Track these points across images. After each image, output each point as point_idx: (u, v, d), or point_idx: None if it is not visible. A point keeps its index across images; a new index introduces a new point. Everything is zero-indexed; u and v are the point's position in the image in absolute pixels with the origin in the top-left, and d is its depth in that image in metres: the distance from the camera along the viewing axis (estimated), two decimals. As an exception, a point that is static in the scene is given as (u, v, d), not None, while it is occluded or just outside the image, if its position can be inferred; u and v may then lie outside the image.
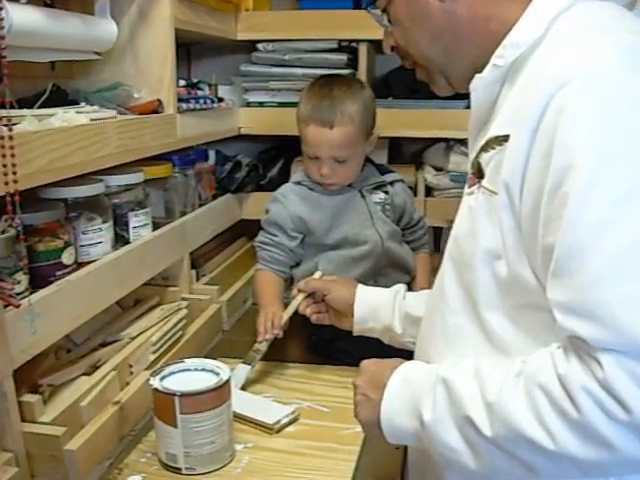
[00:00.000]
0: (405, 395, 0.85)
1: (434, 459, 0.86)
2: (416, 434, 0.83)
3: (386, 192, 1.53)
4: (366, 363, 0.97)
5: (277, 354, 1.46)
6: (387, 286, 1.44)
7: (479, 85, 0.85)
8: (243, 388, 1.27)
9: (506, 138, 0.78)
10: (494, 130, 0.81)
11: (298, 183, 1.50)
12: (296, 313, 1.34)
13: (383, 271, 1.48)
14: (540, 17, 0.80)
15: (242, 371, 1.28)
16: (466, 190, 0.87)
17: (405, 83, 1.85)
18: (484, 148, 0.83)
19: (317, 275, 1.37)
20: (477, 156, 0.84)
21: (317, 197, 1.47)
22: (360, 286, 1.26)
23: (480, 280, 0.82)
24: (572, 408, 0.67)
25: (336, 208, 1.47)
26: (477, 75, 0.85)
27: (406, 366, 0.90)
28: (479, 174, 0.83)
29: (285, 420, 1.16)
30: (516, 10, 0.82)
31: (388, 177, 1.55)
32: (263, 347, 1.30)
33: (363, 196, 1.49)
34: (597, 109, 0.69)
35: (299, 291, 1.33)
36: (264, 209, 1.52)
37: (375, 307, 1.22)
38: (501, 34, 0.82)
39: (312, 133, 1.40)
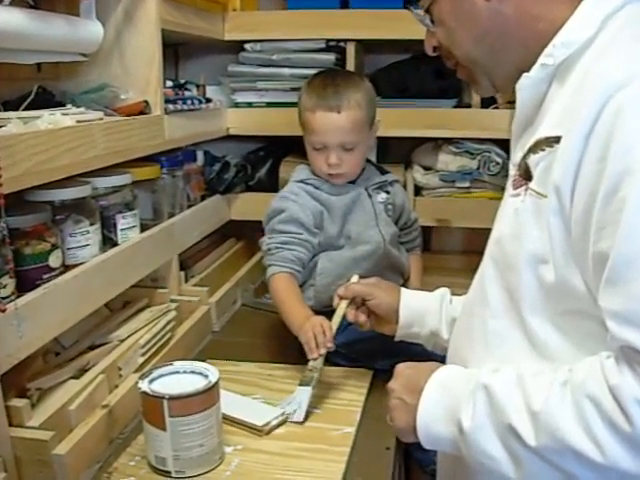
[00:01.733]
0: (443, 400, 0.84)
1: (464, 464, 0.85)
2: (454, 441, 0.82)
3: (387, 192, 1.53)
4: (402, 367, 0.96)
5: (266, 354, 1.47)
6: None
7: (526, 84, 0.84)
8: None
9: (557, 140, 0.76)
10: (544, 131, 0.80)
11: (302, 181, 1.47)
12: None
13: (380, 274, 1.47)
14: (592, 17, 0.78)
15: (303, 394, 1.19)
16: (510, 191, 0.86)
17: (393, 82, 1.85)
18: (532, 149, 0.81)
19: (355, 279, 1.30)
20: (525, 157, 0.82)
21: (327, 198, 1.45)
22: (404, 291, 1.21)
23: (524, 284, 0.81)
24: (624, 420, 0.66)
25: (346, 208, 1.46)
26: (524, 74, 0.83)
27: (444, 370, 0.88)
28: (526, 176, 0.82)
29: (275, 422, 1.16)
30: (565, 10, 0.81)
31: (388, 177, 1.56)
32: (319, 364, 1.22)
33: (370, 195, 1.49)
34: None
35: (340, 298, 1.25)
36: (267, 213, 1.46)
37: (421, 312, 1.18)
38: (549, 34, 0.81)
39: (320, 120, 1.39)
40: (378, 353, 1.33)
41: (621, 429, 0.66)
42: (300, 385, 1.21)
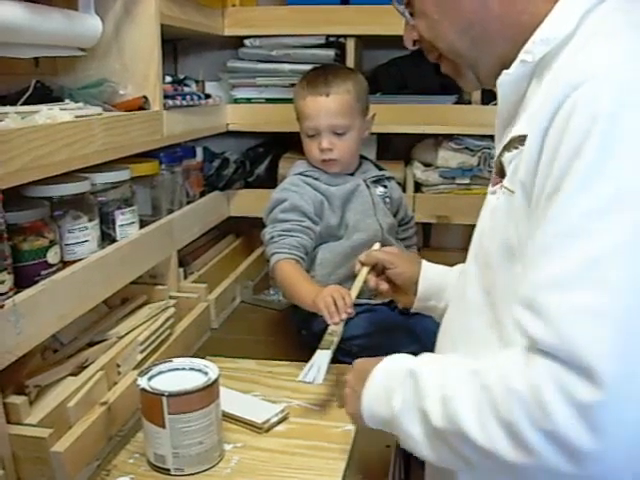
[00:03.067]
0: (384, 383, 0.87)
1: None
2: (388, 422, 0.85)
3: (385, 186, 1.55)
4: (359, 361, 0.98)
5: (266, 351, 1.46)
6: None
7: (506, 81, 0.83)
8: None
9: (525, 138, 0.77)
10: (517, 129, 0.80)
11: (301, 174, 1.49)
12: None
13: None
14: (570, 12, 0.78)
15: (323, 358, 1.16)
16: (489, 189, 0.87)
17: (393, 79, 1.85)
18: (507, 148, 0.82)
19: (377, 246, 1.30)
20: (500, 155, 0.83)
21: (326, 188, 1.47)
22: (424, 263, 1.21)
23: (498, 281, 0.82)
24: (504, 407, 0.67)
25: (345, 197, 1.47)
26: (504, 71, 0.83)
27: (389, 359, 0.90)
28: (501, 173, 0.83)
29: (274, 419, 1.15)
30: (547, 4, 0.80)
31: (385, 173, 1.57)
32: (339, 328, 1.19)
33: (368, 186, 1.50)
34: (608, 114, 0.66)
35: (362, 264, 1.25)
36: (269, 205, 1.45)
37: (440, 286, 1.17)
38: (531, 28, 0.80)
39: (310, 104, 1.42)
40: (378, 348, 1.32)
41: (501, 415, 0.67)
42: (320, 349, 1.18)
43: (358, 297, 1.24)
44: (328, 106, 1.41)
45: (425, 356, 0.84)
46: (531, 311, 0.67)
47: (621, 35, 0.73)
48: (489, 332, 0.84)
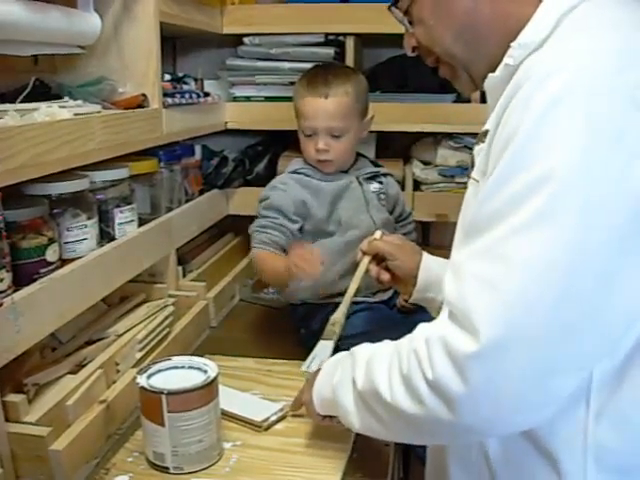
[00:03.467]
0: (330, 370, 0.97)
1: (443, 454, 0.94)
2: (332, 401, 0.93)
3: (380, 182, 1.55)
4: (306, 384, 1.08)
5: (265, 350, 1.46)
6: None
7: (491, 84, 0.87)
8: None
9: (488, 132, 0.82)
10: (487, 124, 0.84)
11: (295, 172, 1.50)
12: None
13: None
14: (548, 15, 0.79)
15: (325, 349, 1.17)
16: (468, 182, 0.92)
17: (393, 77, 1.84)
18: (477, 142, 0.86)
19: (378, 235, 1.28)
20: (472, 149, 0.89)
21: (317, 183, 1.48)
22: (425, 255, 1.23)
23: None
24: (405, 363, 0.77)
25: (335, 194, 1.47)
26: (490, 74, 0.86)
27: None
28: (472, 166, 0.87)
29: (274, 418, 1.15)
30: (530, 8, 0.82)
31: (381, 169, 1.57)
32: (340, 318, 1.21)
33: (360, 183, 1.51)
34: (546, 106, 0.69)
35: (363, 253, 1.25)
36: (258, 201, 1.49)
37: (439, 278, 1.16)
38: (517, 31, 0.82)
39: (308, 104, 1.43)
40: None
41: (401, 371, 0.77)
42: (322, 339, 1.20)
43: (357, 293, 1.26)
44: (326, 108, 1.41)
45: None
46: (452, 274, 0.76)
47: (598, 32, 0.75)
48: None
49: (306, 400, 1.03)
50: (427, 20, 0.91)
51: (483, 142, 0.83)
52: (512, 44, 0.82)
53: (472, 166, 0.88)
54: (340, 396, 0.90)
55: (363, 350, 0.90)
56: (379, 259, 1.25)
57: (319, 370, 1.03)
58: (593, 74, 0.69)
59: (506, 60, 0.83)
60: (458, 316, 0.72)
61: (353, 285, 1.24)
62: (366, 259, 1.24)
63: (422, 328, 0.79)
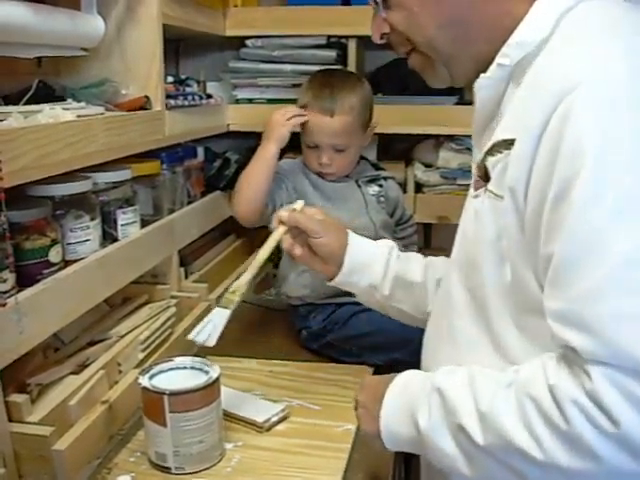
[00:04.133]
0: (402, 403, 0.86)
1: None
2: (413, 441, 0.84)
3: (380, 185, 1.56)
4: (368, 379, 0.99)
5: (267, 351, 1.46)
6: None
7: (484, 85, 0.84)
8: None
9: (512, 142, 0.77)
10: (501, 133, 0.80)
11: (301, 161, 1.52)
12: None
13: None
14: (546, 15, 0.78)
15: (221, 316, 1.08)
16: (471, 192, 0.87)
17: (395, 79, 1.85)
18: (490, 152, 0.81)
19: (298, 206, 1.15)
20: (484, 159, 0.83)
21: (315, 178, 1.49)
22: (352, 235, 1.14)
23: (487, 284, 0.82)
24: (561, 419, 0.67)
25: (333, 193, 1.49)
26: (482, 75, 0.83)
27: (403, 376, 0.90)
28: (485, 177, 0.82)
29: (275, 418, 1.16)
30: (525, 7, 0.80)
31: (382, 173, 1.58)
32: (242, 287, 1.10)
33: (359, 186, 1.52)
34: (604, 117, 0.67)
35: (280, 222, 1.12)
36: None
37: (367, 262, 1.12)
38: (511, 30, 0.80)
39: (313, 121, 1.43)
40: (378, 348, 1.33)
41: (558, 427, 0.68)
42: (219, 307, 1.10)
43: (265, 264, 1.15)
44: (332, 127, 1.42)
45: (441, 371, 0.84)
46: (573, 327, 0.67)
47: (600, 36, 0.73)
48: (479, 333, 0.85)
49: (370, 432, 0.91)
50: (410, 5, 0.85)
51: (501, 153, 0.79)
52: (508, 43, 0.80)
53: (485, 178, 0.83)
54: (437, 442, 0.80)
55: (455, 390, 0.79)
56: (296, 233, 1.12)
57: (374, 390, 0.92)
58: (614, 86, 0.68)
59: (500, 60, 0.81)
60: (617, 364, 0.65)
61: (262, 253, 1.11)
62: (281, 228, 1.11)
63: (556, 374, 0.70)
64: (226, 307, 1.09)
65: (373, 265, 1.13)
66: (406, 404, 0.86)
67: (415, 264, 1.14)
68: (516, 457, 0.72)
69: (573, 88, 0.69)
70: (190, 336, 1.07)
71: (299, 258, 1.13)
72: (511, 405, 0.73)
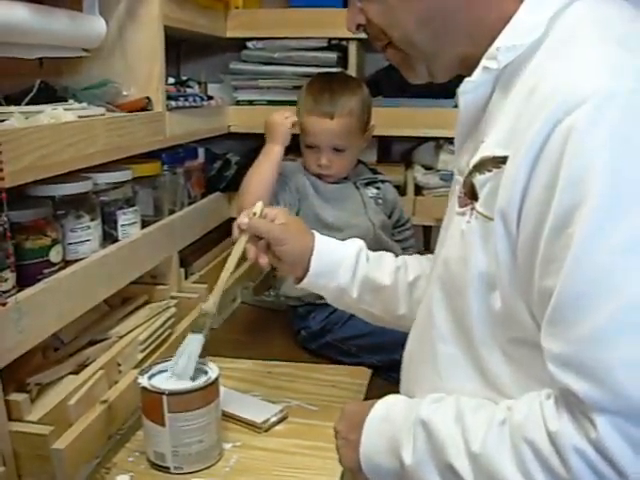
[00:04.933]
0: (384, 432, 0.82)
1: None
2: (397, 474, 0.79)
3: (378, 188, 1.57)
4: (347, 406, 0.94)
5: (265, 352, 1.47)
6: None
7: (468, 89, 0.79)
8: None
9: (504, 160, 0.71)
10: (490, 148, 0.74)
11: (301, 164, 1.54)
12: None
13: None
14: (538, 15, 0.73)
15: (195, 344, 1.06)
16: (456, 209, 0.80)
17: (395, 82, 1.85)
18: (478, 168, 0.75)
19: (258, 209, 1.10)
20: (470, 175, 0.77)
21: (315, 180, 1.51)
22: (318, 237, 1.10)
23: (473, 310, 0.77)
24: (561, 468, 0.64)
25: (331, 194, 1.50)
26: (467, 79, 0.78)
27: (384, 402, 0.86)
28: (472, 195, 0.77)
29: (274, 419, 1.16)
30: (514, 3, 0.75)
31: (379, 176, 1.61)
32: (211, 308, 1.08)
33: (357, 188, 1.54)
34: (611, 143, 0.61)
35: (241, 231, 1.08)
36: None
37: (335, 265, 1.08)
38: (496, 27, 0.75)
39: (313, 124, 1.45)
40: (377, 348, 1.34)
41: (559, 476, 0.64)
42: (192, 332, 1.08)
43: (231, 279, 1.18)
44: (332, 129, 1.44)
45: (427, 400, 0.80)
46: (575, 372, 0.63)
47: (602, 44, 0.68)
48: (463, 358, 0.81)
49: (349, 466, 0.88)
50: None
51: (490, 171, 0.73)
52: (496, 45, 0.75)
53: (471, 195, 0.77)
54: (423, 477, 0.76)
55: (442, 424, 0.75)
56: (256, 241, 1.07)
57: (353, 418, 0.88)
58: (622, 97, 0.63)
59: (486, 63, 0.76)
60: (625, 412, 0.61)
61: (227, 267, 1.09)
62: (243, 237, 1.07)
63: (556, 418, 0.66)
64: (199, 332, 1.07)
65: (340, 268, 1.09)
66: (388, 433, 0.81)
67: (385, 266, 1.10)
68: None
69: (576, 107, 0.63)
70: (169, 368, 1.07)
71: (266, 265, 1.09)
72: (506, 448, 0.68)
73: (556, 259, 0.65)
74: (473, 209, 0.76)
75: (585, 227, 0.62)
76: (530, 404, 0.69)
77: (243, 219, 1.07)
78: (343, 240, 1.36)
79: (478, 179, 0.75)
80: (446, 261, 0.83)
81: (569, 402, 0.65)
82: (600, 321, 0.62)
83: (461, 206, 0.79)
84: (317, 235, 1.11)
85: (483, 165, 0.75)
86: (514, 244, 0.71)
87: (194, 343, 1.06)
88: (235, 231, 1.10)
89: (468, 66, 0.80)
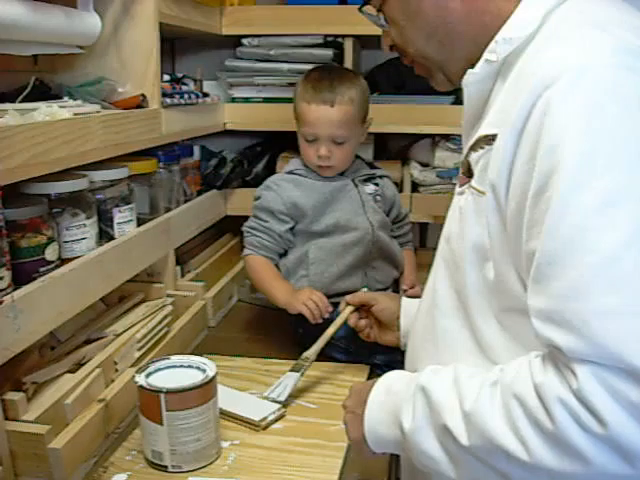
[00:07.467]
0: (386, 404, 0.85)
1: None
2: (397, 442, 0.83)
3: (376, 184, 1.56)
4: (356, 384, 0.99)
5: (263, 350, 1.46)
6: (377, 279, 1.46)
7: (471, 81, 0.84)
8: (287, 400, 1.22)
9: (494, 137, 0.76)
10: (484, 129, 0.80)
11: (291, 172, 1.51)
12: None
13: (373, 263, 1.49)
14: (534, 11, 0.78)
15: (291, 379, 1.23)
16: (457, 190, 0.87)
17: (391, 79, 1.85)
18: (473, 147, 0.81)
19: (363, 291, 1.36)
20: (467, 155, 0.83)
21: (311, 183, 1.49)
22: (404, 299, 1.22)
23: (469, 282, 0.82)
24: (547, 419, 0.66)
25: (329, 194, 1.48)
26: (469, 71, 0.83)
27: (388, 376, 0.89)
28: (469, 173, 0.82)
29: (272, 417, 1.16)
30: (509, 3, 0.81)
31: (377, 172, 1.59)
32: (312, 356, 1.26)
33: (356, 185, 1.52)
34: (584, 110, 0.66)
35: (347, 304, 1.30)
36: (253, 199, 1.52)
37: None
38: (495, 28, 0.81)
39: (314, 112, 1.43)
40: (376, 348, 1.33)
41: (545, 427, 0.66)
42: (291, 370, 1.25)
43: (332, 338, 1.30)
44: (331, 117, 1.42)
45: (427, 370, 0.82)
46: (557, 325, 0.66)
47: (584, 32, 0.72)
48: (462, 332, 0.85)
49: (355, 438, 0.91)
50: (398, 20, 0.89)
51: (483, 148, 0.79)
52: (495, 39, 0.80)
53: (468, 174, 0.83)
54: (421, 443, 0.78)
55: (440, 389, 0.78)
56: (363, 314, 1.29)
57: (359, 394, 0.92)
58: (598, 71, 0.67)
59: (487, 56, 0.81)
60: (604, 362, 0.63)
61: (331, 329, 1.28)
62: (348, 309, 1.29)
63: (541, 372, 0.68)
64: (297, 371, 1.24)
65: None
66: (390, 404, 0.84)
67: None
68: (501, 459, 0.70)
69: (553, 81, 0.68)
70: (265, 393, 1.23)
71: (364, 330, 1.29)
72: (496, 405, 0.71)
73: (537, 222, 0.69)
74: (469, 186, 0.82)
75: (560, 189, 0.66)
76: (519, 363, 0.72)
77: (349, 297, 1.31)
78: (345, 244, 1.43)
79: (473, 157, 0.82)
80: (447, 238, 0.89)
81: (553, 356, 0.68)
82: (576, 276, 0.65)
83: (460, 186, 0.86)
84: (403, 298, 1.23)
85: (477, 144, 0.81)
86: (504, 215, 0.75)
87: (291, 378, 1.23)
88: (342, 304, 1.31)
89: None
